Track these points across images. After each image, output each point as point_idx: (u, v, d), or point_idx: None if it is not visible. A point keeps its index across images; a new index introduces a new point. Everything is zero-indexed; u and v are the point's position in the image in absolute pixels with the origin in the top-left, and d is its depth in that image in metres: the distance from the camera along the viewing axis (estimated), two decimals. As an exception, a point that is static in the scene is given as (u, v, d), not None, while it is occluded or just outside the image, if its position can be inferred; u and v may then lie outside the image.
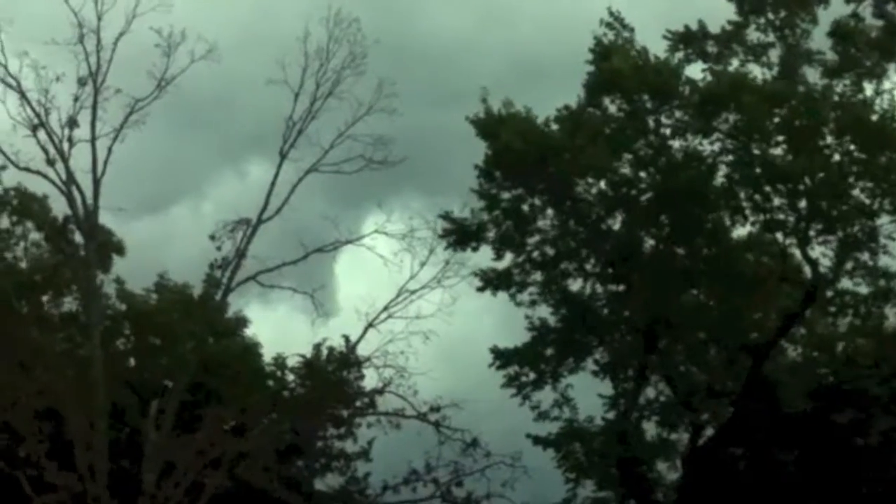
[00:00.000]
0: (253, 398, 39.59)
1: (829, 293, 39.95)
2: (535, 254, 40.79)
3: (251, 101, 43.85)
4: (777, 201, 38.50)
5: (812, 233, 38.40)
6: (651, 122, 38.69)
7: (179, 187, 51.11)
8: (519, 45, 54.89)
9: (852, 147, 37.51)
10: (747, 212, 38.93)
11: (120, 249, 41.74)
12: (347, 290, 43.85)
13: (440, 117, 48.73)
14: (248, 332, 44.66)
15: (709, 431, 41.45)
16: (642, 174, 39.52)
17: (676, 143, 38.89)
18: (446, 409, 36.82)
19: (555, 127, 39.46)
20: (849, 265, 38.84)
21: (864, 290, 39.65)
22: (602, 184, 39.83)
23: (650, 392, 41.96)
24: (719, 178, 38.86)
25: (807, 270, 39.12)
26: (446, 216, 40.26)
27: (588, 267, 40.97)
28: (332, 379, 39.84)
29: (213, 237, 36.80)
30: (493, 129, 39.41)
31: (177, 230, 51.14)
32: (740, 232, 39.97)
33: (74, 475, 34.40)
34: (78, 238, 38.36)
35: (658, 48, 38.94)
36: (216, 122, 48.90)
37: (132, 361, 42.88)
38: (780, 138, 37.98)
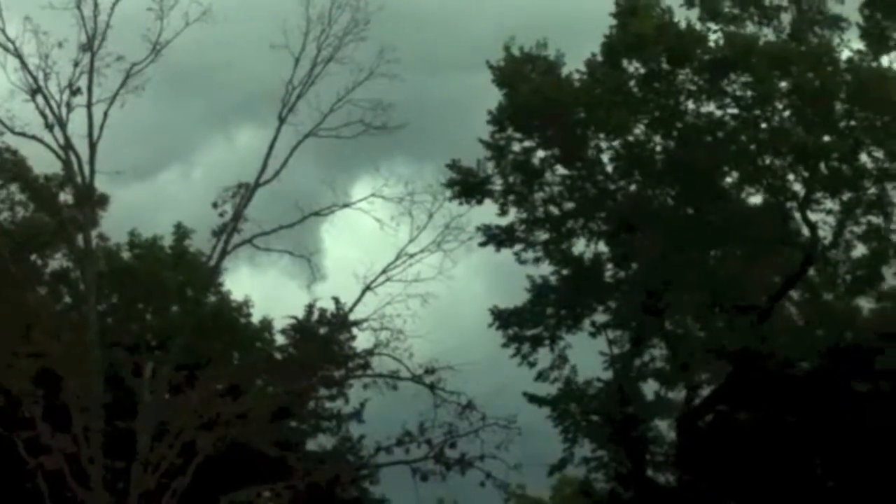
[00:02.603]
0: (245, 360, 39.70)
1: (839, 257, 40.29)
2: (541, 210, 40.87)
3: (242, 68, 43.77)
4: (781, 163, 38.75)
5: (817, 195, 38.70)
6: (667, 86, 38.75)
7: (168, 153, 51.01)
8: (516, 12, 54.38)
9: (860, 111, 37.73)
10: (752, 175, 39.09)
11: (104, 202, 41.77)
12: (334, 256, 43.79)
13: (430, 85, 48.69)
14: (230, 284, 44.97)
15: (706, 392, 41.86)
16: (656, 137, 39.60)
17: (691, 106, 38.99)
18: (441, 371, 36.89)
19: (577, 76, 39.50)
20: (858, 229, 39.28)
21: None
22: (616, 143, 39.89)
23: (649, 352, 42.32)
24: (728, 143, 38.96)
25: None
26: (453, 165, 40.28)
27: (594, 226, 41.08)
28: (324, 340, 39.98)
29: (215, 204, 36.67)
30: (511, 78, 39.42)
31: (166, 195, 51.10)
32: (745, 195, 40.22)
33: (69, 437, 34.38)
34: (63, 197, 38.52)
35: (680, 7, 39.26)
36: (206, 87, 48.72)
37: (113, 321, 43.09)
38: (787, 101, 38.14)
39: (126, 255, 43.94)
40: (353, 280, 36.90)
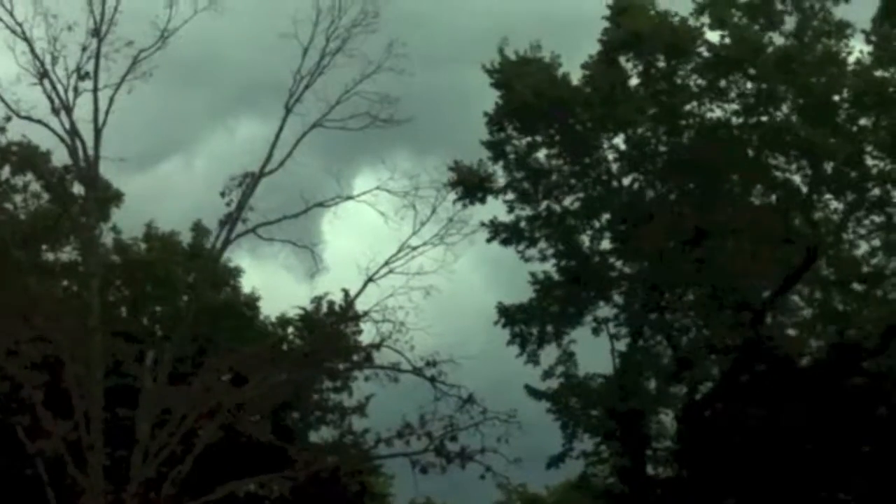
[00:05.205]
0: (250, 349, 39.77)
1: (842, 255, 40.28)
2: (543, 206, 40.93)
3: (245, 59, 43.90)
4: (783, 162, 38.78)
5: (823, 195, 38.74)
6: (668, 86, 38.82)
7: (171, 143, 51.19)
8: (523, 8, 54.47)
9: (864, 114, 37.79)
10: (755, 174, 39.12)
11: (118, 198, 42.08)
12: (334, 248, 43.85)
13: (437, 80, 48.72)
14: (242, 281, 45.22)
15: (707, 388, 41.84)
16: (661, 134, 39.66)
17: (693, 105, 39.05)
18: (442, 364, 36.84)
19: (577, 76, 39.67)
20: (861, 229, 39.33)
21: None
22: (619, 140, 40.05)
23: (651, 348, 42.28)
24: (732, 142, 38.98)
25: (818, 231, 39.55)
26: (456, 167, 40.37)
27: (596, 223, 41.15)
28: (330, 332, 40.00)
29: (223, 194, 36.62)
30: (506, 78, 39.49)
31: (168, 186, 51.28)
32: (749, 193, 40.19)
33: (70, 422, 34.44)
34: (76, 188, 38.64)
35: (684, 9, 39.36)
36: (210, 77, 48.88)
37: (124, 311, 43.31)
38: (791, 103, 38.21)
39: (142, 246, 44.36)
40: (353, 273, 36.99)
